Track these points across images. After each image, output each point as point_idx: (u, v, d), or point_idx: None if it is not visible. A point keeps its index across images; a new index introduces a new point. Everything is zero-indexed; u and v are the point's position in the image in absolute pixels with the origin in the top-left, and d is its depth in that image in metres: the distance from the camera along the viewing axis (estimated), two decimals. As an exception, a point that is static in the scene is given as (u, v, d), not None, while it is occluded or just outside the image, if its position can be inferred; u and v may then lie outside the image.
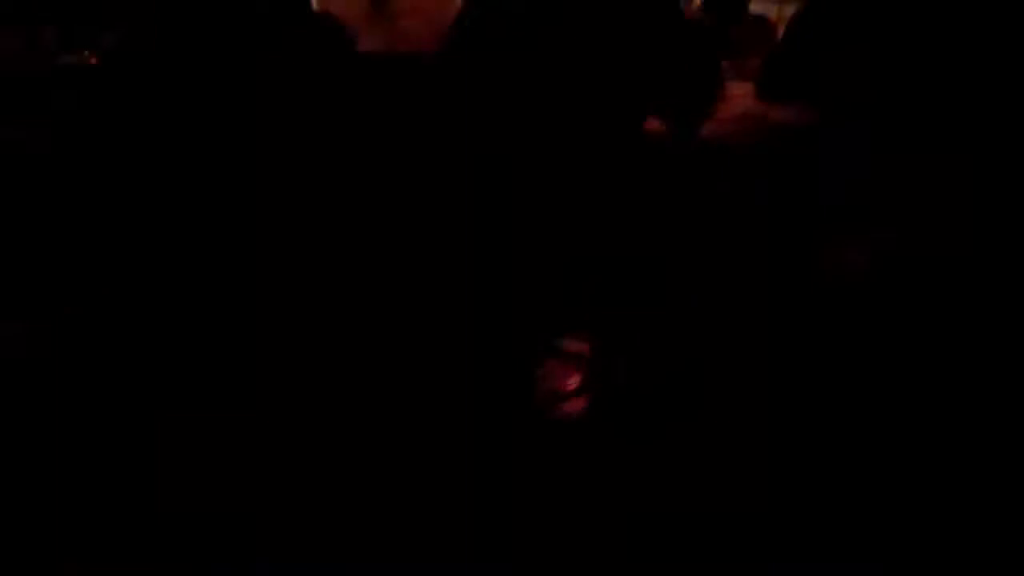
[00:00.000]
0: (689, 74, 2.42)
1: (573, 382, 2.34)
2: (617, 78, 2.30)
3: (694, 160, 2.52)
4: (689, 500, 2.28)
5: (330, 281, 2.14)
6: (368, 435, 2.04)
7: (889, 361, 2.29)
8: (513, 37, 2.31)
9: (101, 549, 2.16)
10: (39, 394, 2.31)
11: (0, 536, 2.27)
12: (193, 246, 2.09)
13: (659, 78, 2.34)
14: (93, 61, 3.45)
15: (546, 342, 2.34)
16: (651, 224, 2.42)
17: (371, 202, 2.37)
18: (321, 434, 2.01)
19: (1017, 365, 2.27)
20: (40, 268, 2.37)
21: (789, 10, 3.00)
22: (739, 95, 2.81)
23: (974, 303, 2.32)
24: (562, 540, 2.14)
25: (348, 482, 1.98)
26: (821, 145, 2.52)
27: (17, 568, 2.22)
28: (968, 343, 2.29)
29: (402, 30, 3.06)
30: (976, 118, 2.45)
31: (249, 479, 2.07)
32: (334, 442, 2.04)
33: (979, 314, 2.31)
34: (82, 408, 2.23)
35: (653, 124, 2.47)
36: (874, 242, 2.41)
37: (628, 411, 2.36)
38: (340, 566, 1.96)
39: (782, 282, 2.44)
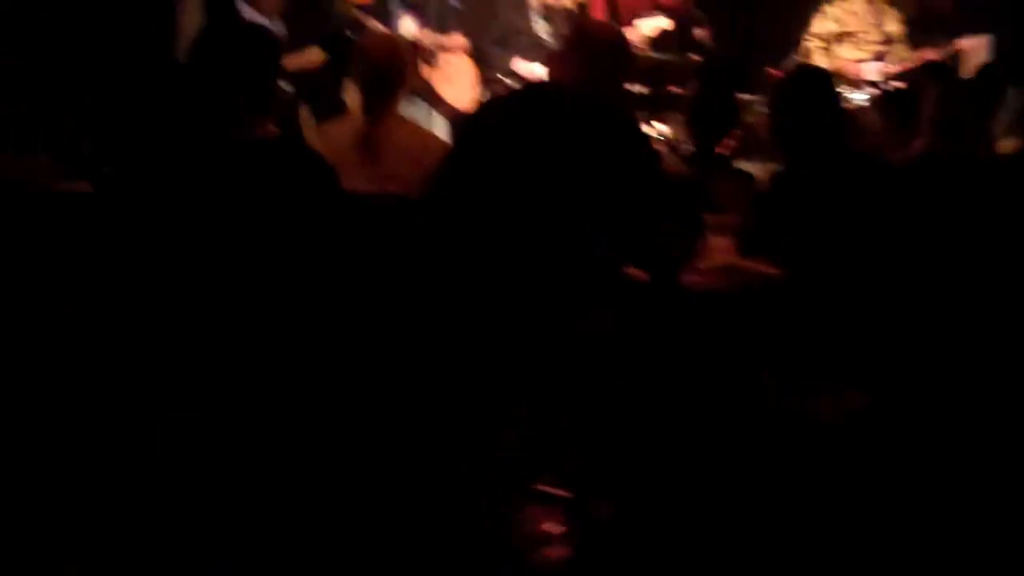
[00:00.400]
0: (672, 224, 2.53)
1: (555, 526, 2.37)
2: (597, 226, 2.43)
3: (673, 308, 2.62)
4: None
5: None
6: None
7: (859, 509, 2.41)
8: (494, 184, 2.46)
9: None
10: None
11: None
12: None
13: (639, 230, 2.47)
14: (88, 189, 3.59)
15: (525, 485, 2.39)
16: (629, 367, 2.51)
17: (354, 337, 2.47)
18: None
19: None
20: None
21: (775, 168, 3.14)
22: (720, 248, 2.93)
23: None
24: None
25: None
26: (797, 301, 2.63)
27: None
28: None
29: (389, 170, 3.24)
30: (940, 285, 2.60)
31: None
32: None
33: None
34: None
35: (634, 272, 2.59)
36: (849, 399, 2.50)
37: (613, 555, 2.40)
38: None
39: (751, 422, 2.52)
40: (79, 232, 2.79)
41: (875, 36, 6.21)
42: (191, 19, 6.16)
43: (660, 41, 7.42)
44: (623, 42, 2.75)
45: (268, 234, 2.30)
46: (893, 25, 6.17)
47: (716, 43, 6.81)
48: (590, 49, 2.61)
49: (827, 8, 6.36)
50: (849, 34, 6.30)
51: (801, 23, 7.11)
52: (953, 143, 3.08)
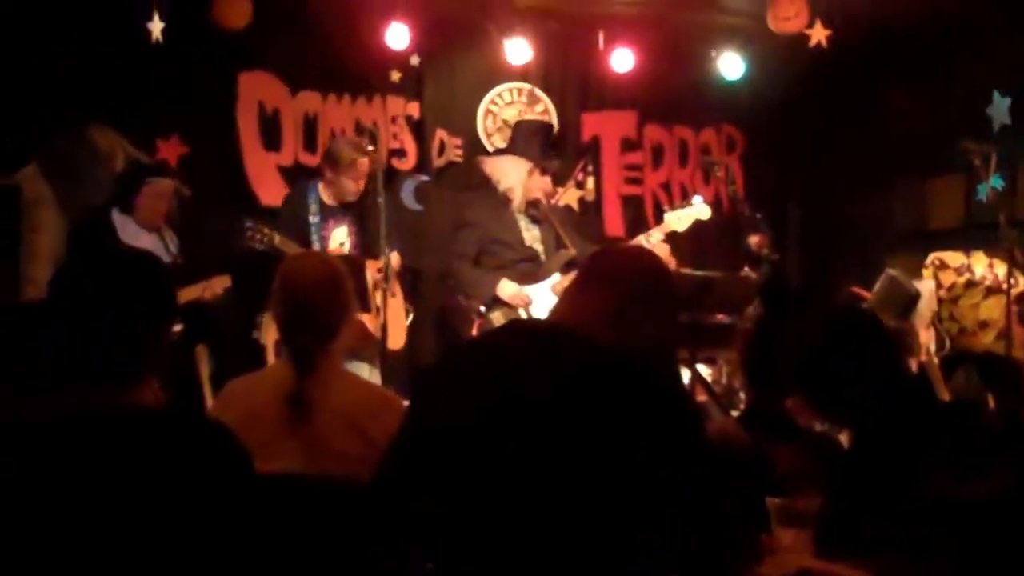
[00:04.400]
0: (723, 518, 2.61)
1: None
2: (613, 529, 2.51)
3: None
4: None
5: None
6: None
7: None
8: (468, 467, 2.56)
9: None
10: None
11: None
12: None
13: (674, 530, 2.55)
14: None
15: None
16: None
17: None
18: None
19: None
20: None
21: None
22: (791, 547, 3.00)
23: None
24: None
25: None
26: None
27: None
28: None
29: (327, 440, 3.34)
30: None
31: None
32: None
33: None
34: None
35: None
36: None
37: None
38: None
39: None
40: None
41: None
42: (46, 238, 6.53)
43: (700, 248, 7.79)
44: (663, 274, 2.90)
45: (146, 548, 2.33)
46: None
47: (777, 252, 7.12)
48: (615, 280, 2.76)
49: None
50: None
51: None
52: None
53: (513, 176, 7.07)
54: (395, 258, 6.76)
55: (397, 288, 6.93)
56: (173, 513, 2.33)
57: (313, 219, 6.82)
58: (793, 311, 3.80)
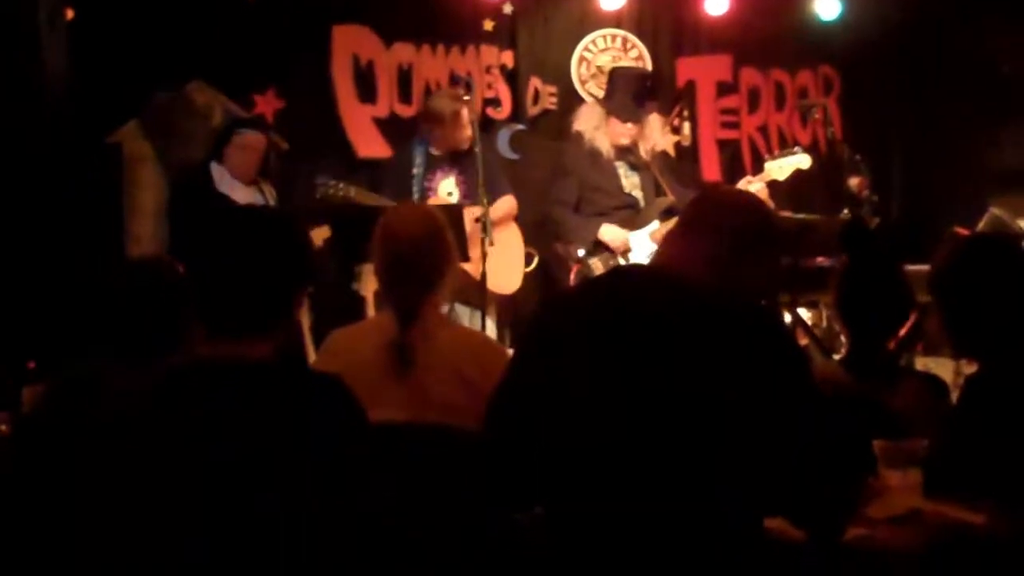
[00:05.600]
0: (830, 460, 2.61)
1: None
2: (721, 469, 2.51)
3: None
4: None
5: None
6: None
7: None
8: (577, 412, 2.57)
9: None
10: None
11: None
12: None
13: (782, 471, 2.54)
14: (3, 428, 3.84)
15: None
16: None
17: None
18: None
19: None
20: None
21: (971, 368, 3.20)
22: (899, 488, 2.99)
23: None
24: None
25: None
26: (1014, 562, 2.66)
27: None
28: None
29: (430, 392, 3.38)
30: None
31: None
32: None
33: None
34: None
35: (782, 526, 2.65)
36: None
37: None
38: None
39: None
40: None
41: None
42: (148, 195, 6.66)
43: (799, 191, 7.71)
44: (768, 219, 2.88)
45: (267, 502, 2.38)
46: None
47: (877, 194, 7.04)
48: (720, 225, 2.73)
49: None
50: None
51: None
52: None
53: (584, 122, 7.13)
54: (508, 202, 6.83)
55: (511, 232, 6.98)
56: (294, 462, 2.38)
57: (416, 170, 6.86)
58: (879, 253, 3.76)
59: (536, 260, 7.22)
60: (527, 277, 7.18)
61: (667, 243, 2.83)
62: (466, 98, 6.60)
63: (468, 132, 6.73)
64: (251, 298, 2.52)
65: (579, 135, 7.15)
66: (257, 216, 2.99)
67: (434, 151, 6.94)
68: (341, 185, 6.40)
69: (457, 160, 6.93)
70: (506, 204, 6.88)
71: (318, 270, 5.97)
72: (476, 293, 6.34)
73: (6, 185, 5.83)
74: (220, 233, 2.60)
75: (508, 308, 7.09)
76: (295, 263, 2.62)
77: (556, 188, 7.10)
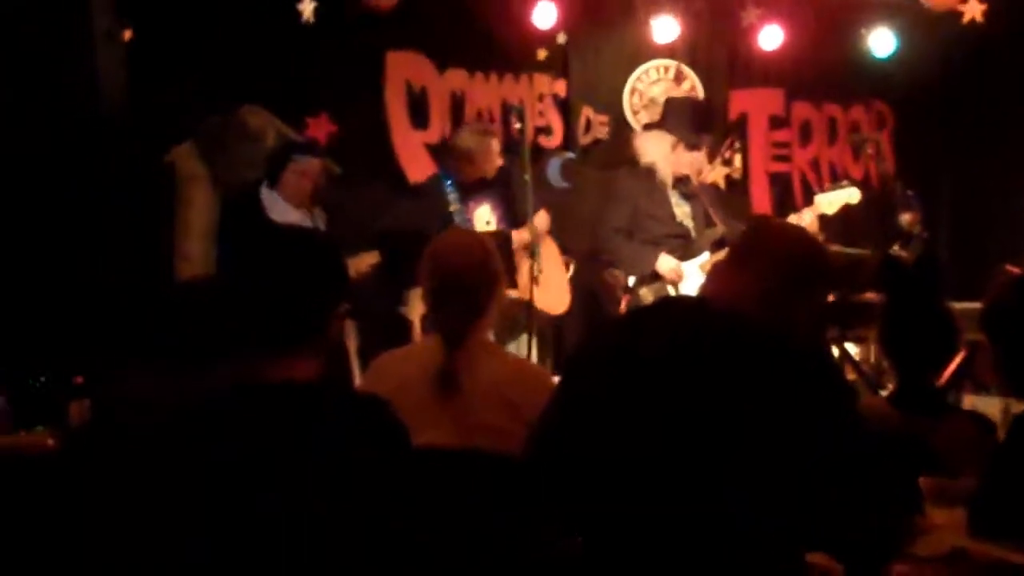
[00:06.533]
0: (875, 497, 2.59)
1: None
2: (765, 500, 2.51)
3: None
4: None
5: None
6: None
7: None
8: (623, 440, 2.58)
9: None
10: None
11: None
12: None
13: (826, 504, 2.54)
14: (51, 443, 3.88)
15: None
16: None
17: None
18: None
19: None
20: None
21: (1020, 407, 3.17)
22: (945, 527, 2.97)
23: None
24: None
25: None
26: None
27: None
28: None
29: (476, 417, 3.40)
30: None
31: None
32: None
33: None
34: None
35: (825, 561, 2.64)
36: None
37: None
38: None
39: None
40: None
41: None
42: (199, 216, 6.72)
43: (850, 226, 7.68)
44: (820, 254, 2.88)
45: (310, 524, 2.39)
46: None
47: (928, 231, 7.00)
48: (771, 259, 2.74)
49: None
50: None
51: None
52: None
53: (654, 150, 7.08)
54: (541, 220, 6.80)
55: (551, 249, 7.00)
56: (337, 484, 2.39)
57: (454, 208, 6.87)
58: (918, 289, 3.75)
59: (573, 266, 7.22)
60: (571, 309, 7.20)
61: (716, 275, 2.83)
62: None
63: (498, 162, 6.77)
64: (285, 313, 2.55)
65: (638, 162, 7.11)
66: (289, 233, 3.03)
67: (462, 179, 6.96)
68: None
69: (486, 187, 6.95)
70: (542, 219, 6.86)
71: (359, 292, 6.01)
72: (523, 318, 6.35)
73: (60, 200, 5.90)
74: (256, 248, 2.64)
75: (551, 335, 7.09)
76: (328, 278, 2.66)
77: (609, 215, 7.08)
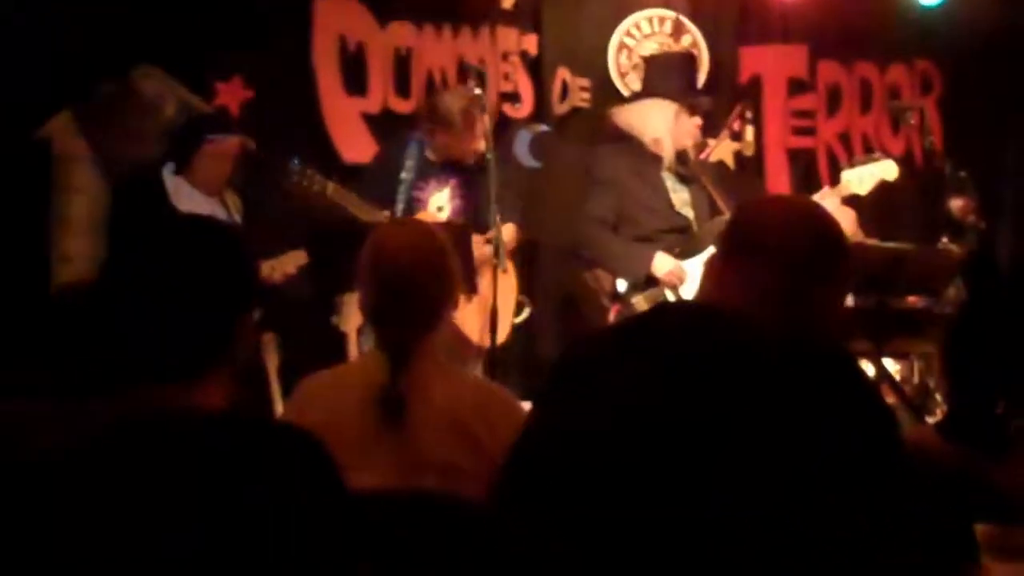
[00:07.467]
0: (922, 548, 2.62)
1: None
2: (786, 552, 2.52)
3: None
4: None
5: None
6: None
7: None
8: (609, 482, 2.57)
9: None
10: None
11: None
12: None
13: (862, 556, 2.56)
14: None
15: None
16: None
17: None
18: None
19: None
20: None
21: None
22: (1009, 583, 3.00)
23: None
24: None
25: None
26: None
27: None
28: None
29: (427, 449, 3.39)
30: None
31: None
32: None
33: None
34: None
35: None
36: None
37: None
38: None
39: None
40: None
41: None
42: (82, 205, 6.65)
43: (888, 214, 7.71)
44: (830, 233, 2.86)
45: None
46: None
47: (985, 219, 7.03)
48: (767, 247, 2.76)
49: None
50: None
51: None
52: None
53: (659, 123, 7.00)
54: (509, 231, 6.71)
55: (509, 280, 6.90)
56: (250, 543, 2.38)
57: (405, 175, 6.81)
58: (1005, 293, 3.76)
59: (527, 312, 7.17)
60: (541, 318, 7.17)
61: (709, 273, 2.82)
62: (477, 91, 6.53)
63: (480, 145, 6.66)
64: (179, 325, 2.55)
65: (628, 138, 7.06)
66: (178, 223, 3.02)
67: (429, 156, 6.92)
68: (318, 177, 6.33)
69: (458, 170, 6.92)
70: (508, 234, 6.69)
71: (283, 299, 6.01)
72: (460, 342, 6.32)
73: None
74: (139, 244, 2.64)
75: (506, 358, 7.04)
76: (231, 277, 2.65)
77: (591, 204, 6.94)
